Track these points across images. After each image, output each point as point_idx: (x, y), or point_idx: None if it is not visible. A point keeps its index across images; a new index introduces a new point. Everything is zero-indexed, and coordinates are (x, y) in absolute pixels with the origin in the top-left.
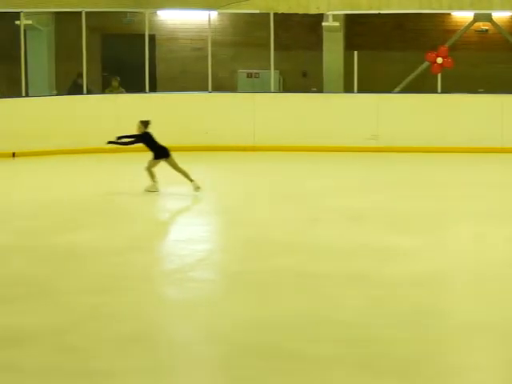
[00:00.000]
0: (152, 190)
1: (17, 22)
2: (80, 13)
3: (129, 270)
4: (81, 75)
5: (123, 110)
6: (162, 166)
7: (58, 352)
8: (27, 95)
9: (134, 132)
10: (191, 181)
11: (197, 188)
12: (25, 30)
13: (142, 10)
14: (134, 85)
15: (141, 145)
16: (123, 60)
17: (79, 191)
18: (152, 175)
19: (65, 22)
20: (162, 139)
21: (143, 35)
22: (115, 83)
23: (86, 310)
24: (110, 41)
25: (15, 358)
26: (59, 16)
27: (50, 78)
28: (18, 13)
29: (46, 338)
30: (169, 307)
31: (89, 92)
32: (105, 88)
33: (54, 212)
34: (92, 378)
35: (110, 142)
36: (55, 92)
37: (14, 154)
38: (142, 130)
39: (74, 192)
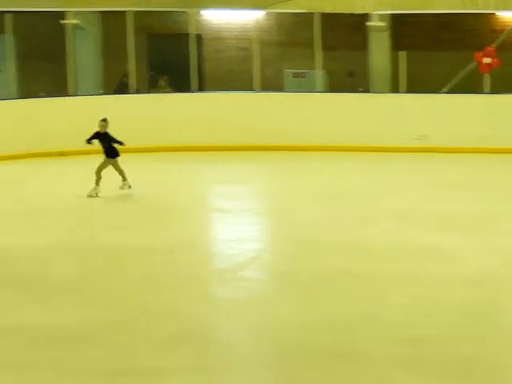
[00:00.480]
0: (93, 194)
1: (63, 22)
2: (126, 12)
3: (179, 268)
4: (127, 75)
5: (170, 109)
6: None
7: (107, 351)
8: (75, 94)
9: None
10: (125, 179)
11: (128, 187)
12: (72, 30)
13: (187, 10)
14: (180, 84)
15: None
16: (170, 59)
17: (125, 190)
18: (100, 178)
19: (111, 21)
20: (208, 139)
21: (189, 35)
22: (162, 83)
23: (136, 309)
24: (156, 40)
25: (64, 357)
26: (105, 15)
27: (96, 77)
28: (64, 12)
29: (95, 337)
30: (219, 306)
31: (136, 91)
32: (152, 87)
33: (101, 211)
34: (140, 377)
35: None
36: (102, 91)
37: (61, 153)
38: (105, 128)
39: (120, 191)
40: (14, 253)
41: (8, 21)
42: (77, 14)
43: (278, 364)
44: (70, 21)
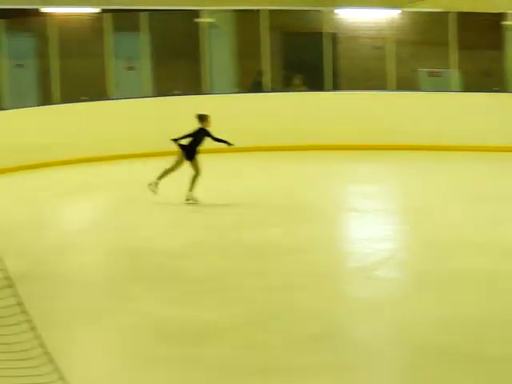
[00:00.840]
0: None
1: (197, 20)
2: (260, 11)
3: (314, 267)
4: (261, 73)
5: (304, 108)
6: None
7: (247, 348)
8: (209, 93)
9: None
10: (158, 181)
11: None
12: (206, 28)
13: (321, 9)
14: (315, 83)
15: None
16: (304, 58)
17: (264, 188)
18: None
19: (245, 20)
20: (341, 138)
21: (324, 33)
22: (297, 81)
23: (274, 307)
24: (290, 39)
25: (206, 353)
26: (239, 14)
27: (231, 75)
28: (199, 11)
29: (236, 334)
30: (354, 306)
31: (271, 90)
32: (286, 86)
33: (241, 209)
34: (281, 374)
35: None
36: (236, 90)
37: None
38: (209, 125)
39: (259, 189)
40: (155, 249)
41: (143, 19)
42: (211, 13)
43: (415, 364)
44: (204, 19)
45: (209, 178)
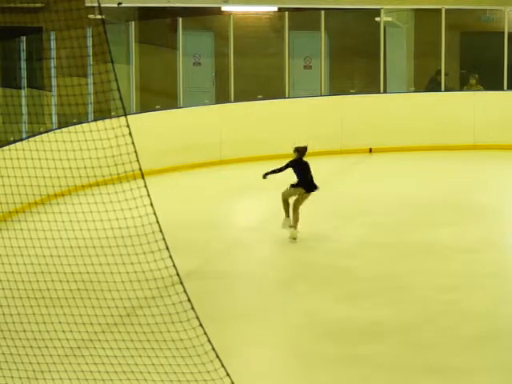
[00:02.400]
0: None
1: (376, 19)
2: (439, 10)
3: (482, 267)
4: (439, 72)
5: (480, 107)
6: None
7: (412, 347)
8: (385, 91)
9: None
10: (294, 227)
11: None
12: (384, 27)
13: (501, 8)
14: (492, 82)
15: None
16: (481, 58)
17: (436, 187)
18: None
19: (424, 19)
20: None
21: (502, 33)
22: (473, 80)
23: (441, 307)
24: (468, 38)
25: (372, 352)
26: (418, 13)
27: (407, 74)
28: (379, 9)
29: (401, 333)
30: None
31: (447, 89)
32: (462, 85)
33: (408, 208)
34: (446, 374)
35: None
36: (413, 89)
37: (370, 150)
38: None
39: (432, 188)
40: (321, 248)
41: (321, 18)
42: (389, 12)
43: None
44: (383, 18)
45: (381, 178)
